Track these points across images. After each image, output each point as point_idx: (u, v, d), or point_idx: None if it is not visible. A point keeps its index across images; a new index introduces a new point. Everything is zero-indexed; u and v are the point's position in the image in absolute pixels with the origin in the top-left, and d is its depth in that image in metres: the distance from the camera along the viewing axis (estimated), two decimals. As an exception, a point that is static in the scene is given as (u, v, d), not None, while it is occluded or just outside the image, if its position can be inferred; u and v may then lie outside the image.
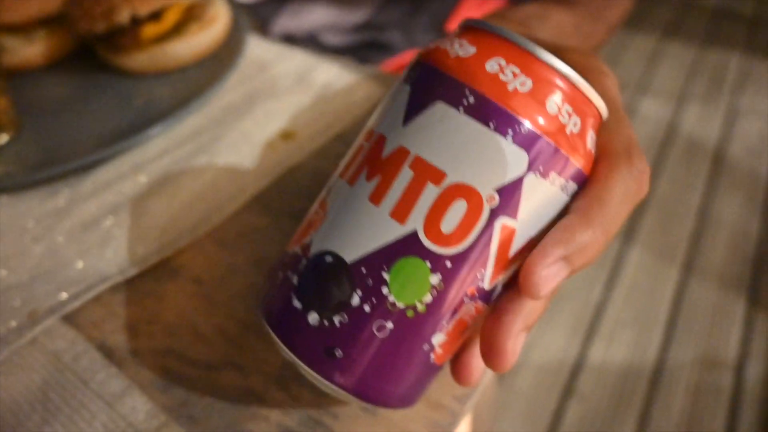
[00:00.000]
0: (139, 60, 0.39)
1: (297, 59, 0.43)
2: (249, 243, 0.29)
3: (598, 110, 0.19)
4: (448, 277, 0.17)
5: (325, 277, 0.18)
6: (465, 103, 0.17)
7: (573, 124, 0.18)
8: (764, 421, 0.99)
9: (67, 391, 0.23)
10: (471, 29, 0.19)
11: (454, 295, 0.17)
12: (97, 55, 0.41)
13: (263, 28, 0.53)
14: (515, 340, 0.18)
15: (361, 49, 0.54)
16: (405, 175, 0.17)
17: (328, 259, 0.18)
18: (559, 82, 0.17)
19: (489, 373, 0.24)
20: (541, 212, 0.18)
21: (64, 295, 0.26)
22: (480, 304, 0.18)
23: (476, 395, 0.23)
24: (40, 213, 0.31)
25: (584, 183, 0.19)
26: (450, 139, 0.17)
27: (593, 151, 0.19)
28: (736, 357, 1.09)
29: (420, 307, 0.17)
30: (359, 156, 0.19)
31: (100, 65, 0.41)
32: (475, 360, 0.20)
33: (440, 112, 0.17)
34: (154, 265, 0.28)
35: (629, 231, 1.33)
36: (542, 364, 1.10)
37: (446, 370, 0.21)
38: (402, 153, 0.18)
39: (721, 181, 1.45)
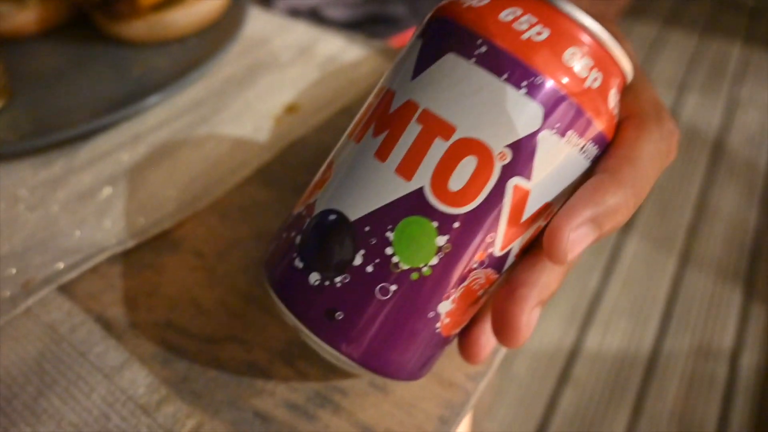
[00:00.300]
0: (136, 28, 0.38)
1: (299, 32, 0.41)
2: (251, 216, 0.28)
3: (621, 68, 0.17)
4: (456, 239, 0.16)
5: (328, 235, 0.17)
6: (476, 53, 0.16)
7: (593, 80, 0.16)
8: (758, 410, 1.00)
9: (64, 363, 0.22)
10: None
11: (462, 259, 0.16)
12: (93, 24, 0.40)
13: (266, 2, 0.52)
14: (530, 314, 0.17)
15: (366, 24, 0.52)
16: (412, 130, 0.16)
17: (332, 217, 0.17)
18: (580, 34, 0.16)
19: (501, 352, 0.23)
20: (558, 175, 0.17)
21: (60, 265, 0.25)
22: (491, 272, 0.17)
23: (490, 374, 0.22)
24: (35, 182, 0.30)
25: (606, 147, 0.18)
26: (460, 92, 0.16)
27: (616, 114, 0.18)
28: (732, 347, 1.10)
29: (426, 270, 0.16)
30: (367, 113, 0.18)
31: (96, 34, 0.39)
32: (485, 336, 0.19)
33: (450, 63, 0.16)
34: (154, 237, 0.27)
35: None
36: (538, 351, 1.10)
37: (456, 346, 0.20)
38: (410, 107, 0.17)
39: (720, 171, 1.44)
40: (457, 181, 0.16)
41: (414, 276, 0.16)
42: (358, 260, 0.16)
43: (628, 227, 1.31)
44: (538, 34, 0.16)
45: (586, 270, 1.24)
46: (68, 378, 0.21)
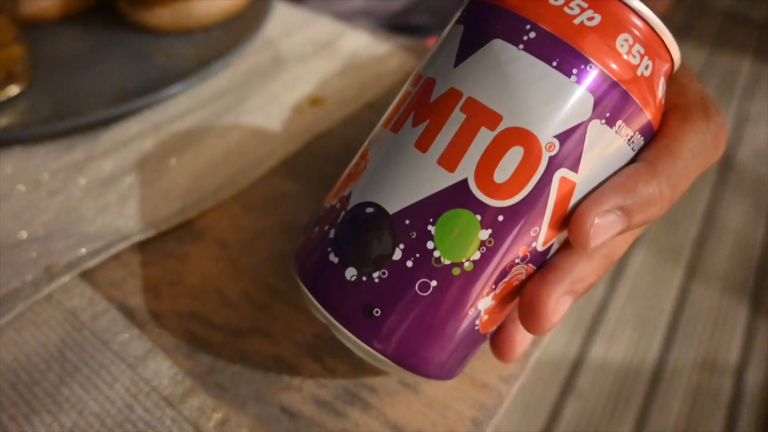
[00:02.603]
0: (160, 16, 0.37)
1: (324, 26, 0.41)
2: (276, 208, 0.28)
3: (671, 55, 0.17)
4: (500, 233, 0.15)
5: (365, 229, 0.16)
6: (525, 38, 0.15)
7: (644, 67, 0.16)
8: (763, 426, 0.99)
9: (86, 352, 0.21)
10: None
11: (505, 254, 0.16)
12: (117, 10, 0.39)
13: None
14: (558, 300, 0.16)
15: (390, 32, 0.52)
16: (456, 119, 0.15)
17: (369, 210, 0.16)
18: (632, 19, 0.16)
19: (534, 355, 0.22)
20: (604, 167, 0.16)
21: (83, 251, 0.24)
22: (531, 267, 0.16)
23: (523, 376, 0.21)
24: (56, 167, 0.29)
25: (652, 136, 0.17)
26: (507, 79, 0.15)
27: (663, 102, 0.17)
28: (737, 362, 1.09)
29: (467, 266, 0.16)
30: (405, 102, 0.17)
31: (120, 20, 0.39)
32: (520, 334, 0.18)
33: (497, 49, 0.15)
34: (177, 226, 0.27)
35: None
36: (542, 360, 1.09)
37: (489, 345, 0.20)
38: (453, 95, 0.16)
39: (728, 186, 1.44)
40: (502, 173, 0.15)
41: (455, 271, 0.16)
42: (397, 255, 0.16)
43: (635, 238, 1.30)
44: (590, 19, 0.15)
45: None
46: (90, 366, 0.21)
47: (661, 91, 0.17)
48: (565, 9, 0.15)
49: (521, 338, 0.19)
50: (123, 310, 0.23)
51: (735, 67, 1.85)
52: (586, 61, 0.15)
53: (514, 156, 0.15)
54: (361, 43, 0.39)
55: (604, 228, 0.15)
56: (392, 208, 0.16)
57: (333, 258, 0.17)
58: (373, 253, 0.16)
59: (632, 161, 0.17)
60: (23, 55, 0.34)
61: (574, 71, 0.15)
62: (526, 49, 0.15)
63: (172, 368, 0.21)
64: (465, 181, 0.15)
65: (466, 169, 0.15)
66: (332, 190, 0.19)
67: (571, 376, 1.07)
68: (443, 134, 0.16)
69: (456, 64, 0.16)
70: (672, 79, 0.18)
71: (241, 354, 0.22)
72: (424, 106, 0.16)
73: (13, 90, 0.33)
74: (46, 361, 0.21)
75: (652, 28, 0.16)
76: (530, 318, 0.16)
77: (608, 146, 0.16)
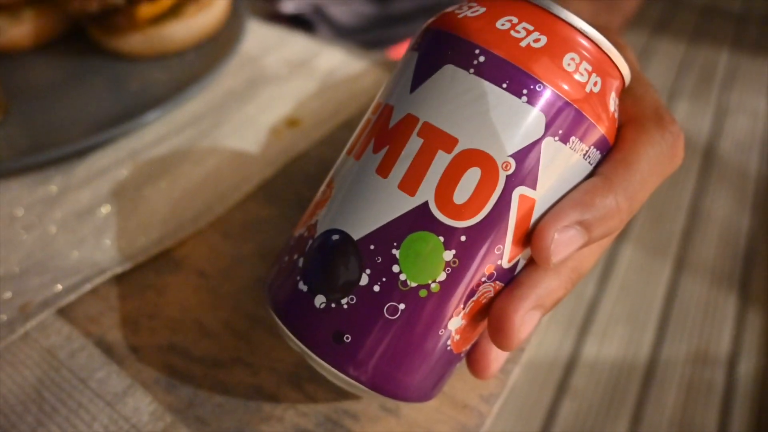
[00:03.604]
0: (134, 42, 0.37)
1: (299, 45, 0.41)
2: (255, 234, 0.28)
3: (620, 71, 0.17)
4: (464, 253, 0.16)
5: (332, 256, 0.16)
6: (475, 63, 0.16)
7: (593, 84, 0.16)
8: (757, 416, 1.00)
9: (64, 391, 0.21)
10: None
11: (470, 273, 0.16)
12: (90, 37, 0.39)
13: (270, 3, 0.51)
14: (525, 316, 0.16)
15: (374, 27, 0.52)
16: (414, 144, 0.16)
17: (335, 237, 0.16)
18: (578, 39, 0.16)
19: (514, 373, 0.22)
20: (563, 183, 0.16)
21: (58, 287, 0.24)
22: (499, 285, 0.17)
23: (504, 395, 0.21)
24: (31, 201, 0.29)
25: (608, 151, 0.17)
26: (460, 103, 0.16)
27: (617, 116, 0.17)
28: (729, 353, 1.10)
29: (434, 287, 0.16)
30: (366, 130, 0.18)
31: (93, 48, 0.39)
32: (494, 351, 0.19)
33: (449, 74, 0.16)
34: (155, 256, 0.26)
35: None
36: (536, 361, 1.09)
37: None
38: (410, 121, 0.16)
39: (712, 177, 1.45)
40: (461, 194, 0.15)
41: (422, 293, 0.16)
42: (364, 280, 0.16)
43: (622, 235, 1.31)
44: (536, 41, 0.16)
45: (582, 279, 1.23)
46: (69, 406, 0.21)
47: (612, 105, 0.17)
48: (512, 32, 0.16)
49: (496, 355, 0.19)
50: (101, 346, 0.23)
51: (713, 60, 1.88)
52: (535, 81, 0.15)
53: (472, 177, 0.15)
54: (335, 62, 0.39)
55: (564, 243, 0.16)
56: (357, 234, 0.16)
57: (302, 286, 0.17)
58: (341, 279, 0.16)
59: (590, 175, 0.17)
60: (-5, 88, 0.33)
61: (524, 92, 0.15)
62: (476, 73, 0.16)
63: (152, 404, 0.21)
64: (426, 204, 0.16)
65: (426, 192, 0.16)
66: (301, 219, 0.19)
67: (565, 375, 1.07)
68: (402, 159, 0.16)
69: (412, 90, 0.17)
70: (626, 91, 0.18)
71: (221, 386, 0.22)
72: (383, 133, 0.17)
73: (-14, 123, 0.33)
74: (23, 403, 0.21)
75: (599, 47, 0.17)
76: (498, 334, 0.16)
77: (564, 162, 0.16)
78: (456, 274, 0.16)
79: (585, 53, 0.16)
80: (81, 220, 0.28)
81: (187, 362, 0.22)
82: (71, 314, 0.24)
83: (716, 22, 2.06)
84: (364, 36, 0.52)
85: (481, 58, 0.16)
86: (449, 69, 0.16)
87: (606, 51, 0.17)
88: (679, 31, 2.01)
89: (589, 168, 0.17)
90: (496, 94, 0.15)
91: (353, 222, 0.16)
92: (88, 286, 0.24)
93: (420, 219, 0.16)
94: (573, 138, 0.16)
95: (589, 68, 0.16)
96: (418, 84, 0.17)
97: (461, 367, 0.20)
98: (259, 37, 0.42)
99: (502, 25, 0.16)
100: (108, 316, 0.24)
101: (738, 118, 1.63)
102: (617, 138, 0.17)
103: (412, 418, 0.21)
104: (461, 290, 0.16)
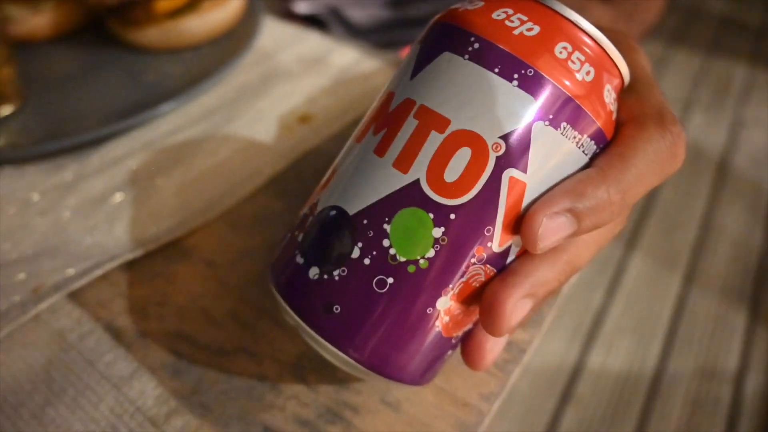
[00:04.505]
0: (151, 35, 0.38)
1: (313, 42, 0.41)
2: (264, 227, 0.28)
3: (617, 67, 0.18)
4: (453, 231, 0.16)
5: (328, 229, 0.17)
6: (470, 49, 0.17)
7: (585, 73, 0.17)
8: (762, 433, 0.99)
9: (72, 372, 0.21)
10: None
11: (459, 252, 0.16)
12: (107, 29, 0.40)
13: (285, 3, 0.52)
14: (516, 303, 0.16)
15: (389, 29, 0.52)
16: (409, 125, 0.17)
17: (332, 213, 0.17)
18: (571, 30, 0.17)
19: (517, 371, 0.23)
20: (555, 169, 0.17)
21: (71, 271, 0.25)
22: (490, 269, 0.17)
23: (504, 393, 0.21)
24: (46, 187, 0.30)
25: (606, 144, 0.18)
26: (455, 87, 0.17)
27: (613, 110, 0.18)
28: (736, 369, 1.08)
29: (422, 263, 0.16)
30: (369, 116, 0.19)
31: (110, 40, 0.40)
32: (490, 342, 0.19)
33: (446, 60, 0.17)
34: (165, 245, 0.27)
35: (631, 237, 1.32)
36: (541, 368, 1.09)
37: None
38: (408, 104, 0.17)
39: (725, 191, 1.44)
40: (452, 173, 0.16)
41: (411, 268, 0.16)
42: (356, 253, 0.16)
43: (632, 244, 1.30)
44: (529, 30, 0.17)
45: (590, 287, 1.23)
46: (76, 387, 0.21)
47: (608, 97, 0.17)
48: (506, 22, 0.17)
49: (491, 346, 0.19)
50: (110, 331, 0.23)
51: (730, 73, 1.86)
52: (526, 67, 0.16)
53: (462, 156, 0.16)
54: (349, 60, 0.39)
55: (552, 229, 0.16)
56: (352, 209, 0.17)
57: (299, 259, 0.18)
58: (334, 251, 0.17)
59: (586, 167, 0.17)
60: (14, 76, 0.34)
61: (515, 76, 0.16)
62: (471, 59, 0.17)
63: (157, 388, 0.21)
64: (417, 182, 0.16)
65: (419, 171, 0.16)
66: (306, 202, 0.20)
67: (569, 383, 1.06)
68: (398, 139, 0.17)
69: (412, 77, 0.18)
70: (631, 90, 0.19)
71: (226, 373, 0.22)
72: (383, 116, 0.18)
73: (5, 111, 0.34)
74: (32, 382, 0.21)
75: (595, 40, 0.17)
76: (488, 319, 0.16)
77: (557, 149, 0.16)
78: (445, 251, 0.16)
79: (579, 44, 0.17)
80: (94, 207, 0.29)
81: (193, 349, 0.23)
82: (82, 298, 0.24)
83: (734, 34, 2.04)
84: (379, 37, 0.52)
85: (476, 45, 0.17)
86: (446, 56, 0.17)
87: (603, 46, 0.17)
88: (696, 42, 1.99)
89: (585, 158, 0.17)
90: (488, 78, 0.16)
91: (349, 198, 0.17)
92: (99, 272, 0.25)
93: (411, 195, 0.16)
94: (564, 124, 0.16)
95: (582, 58, 0.17)
96: (417, 71, 0.18)
97: (461, 364, 0.20)
98: (274, 34, 0.42)
99: (498, 15, 0.17)
100: (118, 302, 0.24)
101: (753, 132, 1.62)
102: (617, 134, 0.18)
103: (412, 413, 0.21)
104: (450, 269, 0.16)
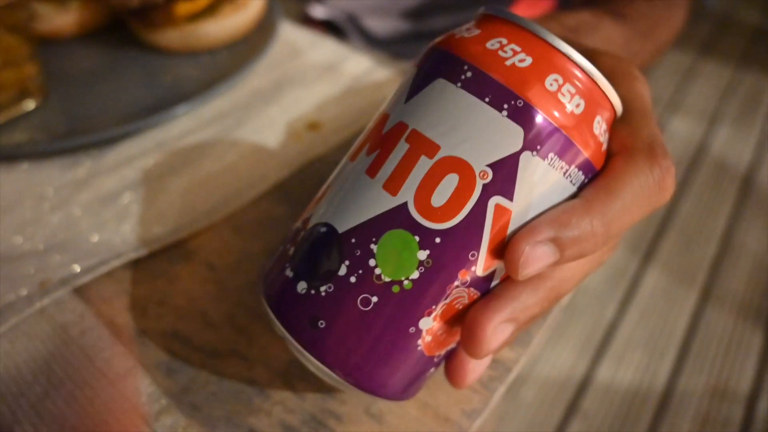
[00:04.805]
0: (170, 37, 0.39)
1: (329, 49, 0.42)
2: (266, 231, 0.29)
3: (608, 99, 0.18)
4: (438, 254, 0.17)
5: (317, 246, 0.18)
6: (462, 77, 0.17)
7: (575, 106, 0.17)
8: (772, 457, 0.97)
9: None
10: (481, 15, 0.19)
11: (443, 274, 0.17)
12: (129, 30, 0.41)
13: (304, 6, 0.52)
14: (497, 327, 0.17)
15: (407, 40, 0.53)
16: (401, 149, 0.17)
17: (322, 229, 0.18)
18: (563, 63, 0.17)
19: (499, 390, 0.23)
20: (541, 198, 0.17)
21: (77, 268, 0.26)
22: (473, 292, 0.17)
23: (486, 412, 0.22)
24: (60, 183, 0.31)
25: (594, 175, 0.18)
26: (446, 113, 0.17)
27: (603, 142, 0.18)
28: (749, 390, 1.06)
29: (407, 284, 0.17)
30: (364, 134, 0.19)
31: (132, 40, 0.41)
32: (472, 361, 0.19)
33: (439, 87, 0.17)
34: (169, 245, 0.28)
35: (648, 250, 1.30)
36: (548, 378, 1.08)
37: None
38: (401, 127, 0.18)
39: (748, 208, 1.41)
40: (439, 198, 0.16)
41: (395, 288, 0.17)
42: (342, 270, 0.17)
43: (648, 257, 1.28)
44: (521, 61, 0.17)
45: (603, 299, 1.21)
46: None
47: (598, 129, 0.18)
48: (500, 52, 0.17)
49: (473, 366, 0.19)
50: (110, 327, 0.24)
51: (760, 86, 1.82)
52: (516, 97, 0.17)
53: (450, 182, 0.16)
54: (362, 68, 0.40)
55: (535, 258, 0.16)
56: (341, 227, 0.17)
57: (289, 273, 0.18)
58: (322, 268, 0.17)
59: (574, 195, 0.18)
60: (37, 72, 0.35)
61: (505, 106, 0.16)
62: (463, 87, 0.17)
63: (150, 386, 0.22)
64: (405, 204, 0.17)
65: (407, 194, 0.17)
66: (300, 215, 0.20)
67: (577, 396, 1.06)
68: (389, 161, 0.17)
69: (406, 101, 0.18)
70: (624, 120, 0.19)
71: (217, 375, 0.23)
72: (377, 138, 0.18)
73: (28, 106, 0.35)
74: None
75: (586, 73, 0.17)
76: (469, 341, 0.17)
77: (544, 178, 0.17)
78: (429, 273, 0.17)
79: (570, 76, 0.17)
80: (104, 205, 0.30)
81: (188, 350, 0.23)
82: (86, 294, 0.25)
83: (765, 46, 1.99)
84: (397, 48, 0.53)
85: (469, 74, 0.17)
86: (440, 82, 0.17)
87: (594, 78, 0.17)
88: (726, 54, 1.95)
89: (572, 188, 0.18)
90: (478, 107, 0.17)
91: (340, 216, 0.18)
92: (104, 269, 0.26)
93: (399, 218, 0.17)
94: (552, 155, 0.17)
95: (572, 90, 0.17)
96: (412, 95, 0.18)
97: (446, 381, 0.20)
98: (291, 40, 0.43)
99: (492, 45, 0.17)
100: (120, 299, 0.25)
101: (782, 148, 1.58)
102: (606, 165, 0.18)
103: (394, 425, 0.21)
104: (434, 290, 0.17)
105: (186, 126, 0.35)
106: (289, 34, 0.43)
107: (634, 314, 1.19)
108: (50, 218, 0.29)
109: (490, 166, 0.16)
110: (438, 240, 0.16)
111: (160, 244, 0.27)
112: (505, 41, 0.17)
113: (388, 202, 0.17)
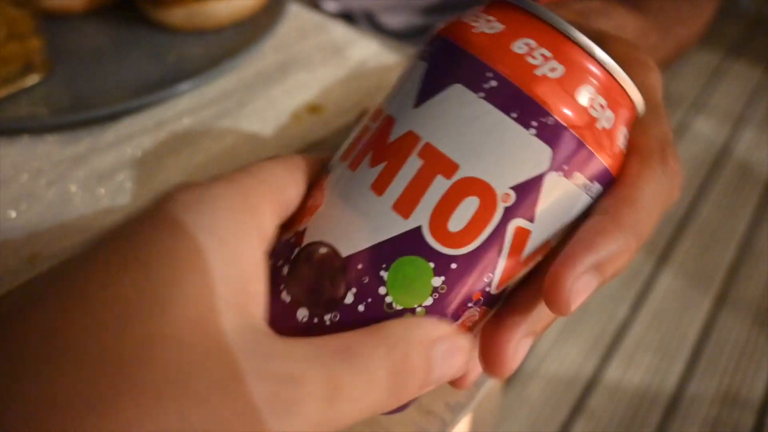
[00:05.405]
0: (177, 15, 0.39)
1: (336, 32, 0.41)
2: (260, 214, 0.28)
3: (634, 104, 0.17)
4: (453, 281, 0.15)
5: (318, 269, 0.16)
6: (486, 86, 0.15)
7: (606, 120, 0.16)
8: (782, 467, 0.95)
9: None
10: (500, 4, 0.17)
11: (457, 299, 0.16)
12: (136, 8, 0.40)
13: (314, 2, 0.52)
14: (518, 344, 0.16)
15: (418, 36, 0.52)
16: (413, 164, 0.15)
17: (322, 250, 0.16)
18: (595, 71, 0.15)
19: (489, 383, 0.22)
20: (559, 213, 0.16)
21: (67, 243, 0.26)
22: (485, 309, 0.16)
23: (471, 406, 0.21)
24: (59, 158, 0.31)
25: (610, 183, 0.17)
26: (466, 128, 0.15)
27: (623, 149, 0.17)
28: (761, 397, 1.04)
29: (419, 311, 0.15)
30: (364, 138, 0.17)
31: (138, 18, 0.40)
32: (471, 363, 0.18)
33: (457, 95, 0.15)
34: (161, 224, 0.27)
35: (664, 252, 1.28)
36: (555, 376, 1.07)
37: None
38: (411, 138, 0.16)
39: (770, 213, 1.37)
40: (457, 222, 0.15)
41: (407, 317, 0.15)
42: (349, 299, 0.15)
43: (664, 259, 1.26)
44: (552, 70, 0.15)
45: (615, 300, 1.20)
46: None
47: (621, 139, 0.17)
48: (528, 59, 0.15)
49: (472, 366, 0.19)
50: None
51: (791, 88, 1.77)
52: (546, 114, 0.15)
53: (469, 206, 0.15)
54: (369, 52, 0.39)
55: (581, 290, 0.15)
56: (346, 251, 0.16)
57: (285, 296, 0.16)
58: (325, 295, 0.16)
59: (590, 206, 0.17)
60: (42, 46, 0.35)
61: (534, 123, 0.15)
62: (486, 98, 0.15)
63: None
64: (419, 229, 0.15)
65: (421, 217, 0.15)
66: (290, 220, 0.18)
67: (583, 395, 1.05)
68: (399, 178, 0.15)
69: (416, 105, 0.16)
70: (638, 121, 0.18)
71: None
72: (381, 147, 0.16)
73: (31, 80, 0.35)
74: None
75: (616, 79, 0.16)
76: (491, 362, 0.16)
77: (564, 194, 0.16)
78: (443, 299, 0.15)
79: (601, 87, 0.16)
80: (100, 181, 0.29)
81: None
82: (75, 269, 0.25)
83: (799, 48, 1.93)
84: (413, 42, 0.52)
85: (493, 83, 0.15)
86: (458, 89, 0.15)
87: (622, 84, 0.16)
88: (756, 55, 1.90)
89: (588, 198, 0.16)
90: (504, 124, 0.15)
91: (343, 237, 0.16)
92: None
93: (412, 243, 0.15)
94: (577, 173, 0.15)
95: (604, 102, 0.16)
96: (423, 99, 0.16)
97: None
98: (299, 22, 0.42)
99: (519, 48, 0.15)
100: (108, 276, 0.25)
101: (809, 153, 1.54)
102: (622, 170, 0.17)
103: (375, 417, 0.21)
104: (447, 314, 0.16)
105: (187, 105, 0.35)
106: (297, 15, 0.43)
107: (647, 316, 1.17)
108: (45, 193, 0.29)
109: (513, 188, 0.15)
110: (454, 266, 0.15)
111: (153, 223, 0.27)
112: (533, 44, 0.15)
113: (400, 226, 0.15)
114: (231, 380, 0.12)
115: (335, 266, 0.15)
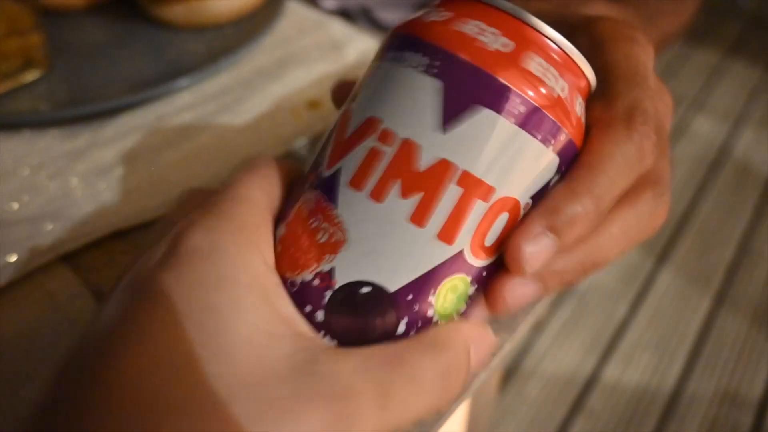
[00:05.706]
0: (176, 12, 0.39)
1: (334, 29, 0.41)
2: (259, 208, 0.28)
3: (584, 73, 0.18)
4: (482, 284, 0.17)
5: (366, 309, 0.16)
6: (516, 113, 0.16)
7: (582, 112, 0.18)
8: (781, 466, 0.95)
9: (56, 333, 0.22)
10: (499, 11, 0.17)
11: (481, 296, 0.17)
12: (136, 4, 0.41)
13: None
14: (536, 239, 0.16)
15: None
16: (452, 193, 0.16)
17: (365, 290, 0.16)
18: (580, 80, 0.18)
19: (482, 376, 0.22)
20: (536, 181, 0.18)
21: (68, 235, 0.26)
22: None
23: (467, 394, 0.21)
24: (60, 152, 0.31)
25: (576, 154, 0.18)
26: (500, 153, 0.16)
27: (584, 121, 0.18)
28: (760, 397, 1.04)
29: (455, 318, 0.17)
30: (377, 163, 0.16)
31: (138, 14, 0.41)
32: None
33: (488, 121, 0.16)
34: (160, 217, 0.28)
35: (664, 251, 1.28)
36: (553, 374, 1.07)
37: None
38: (446, 167, 0.16)
39: (769, 212, 1.37)
40: (491, 238, 0.16)
41: (445, 322, 0.17)
42: (401, 328, 0.16)
43: (663, 258, 1.26)
44: (563, 89, 0.17)
45: (614, 297, 1.20)
46: (57, 348, 0.22)
47: (580, 110, 0.18)
48: (546, 80, 0.16)
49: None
50: (97, 296, 0.24)
51: (790, 88, 1.77)
52: (562, 132, 0.17)
53: (501, 221, 0.16)
54: (368, 48, 0.39)
55: (538, 253, 0.16)
56: (393, 286, 0.16)
57: (330, 342, 0.16)
58: (377, 331, 0.16)
59: (557, 175, 0.17)
60: (42, 42, 0.35)
61: (553, 141, 0.16)
62: (517, 123, 0.16)
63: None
64: (462, 252, 0.16)
65: (463, 241, 0.16)
66: (295, 258, 0.16)
67: (582, 394, 1.05)
68: (440, 208, 0.16)
69: (444, 130, 0.16)
70: (605, 90, 0.18)
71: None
72: (412, 176, 0.16)
73: (32, 76, 0.35)
74: (17, 339, 0.22)
75: (579, 67, 0.18)
76: (511, 262, 0.16)
77: (546, 168, 0.17)
78: (473, 302, 0.17)
79: (585, 91, 0.18)
80: (100, 175, 0.30)
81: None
82: (75, 262, 0.25)
83: (798, 46, 1.93)
84: None
85: (522, 108, 0.16)
86: (489, 115, 0.16)
87: (573, 60, 0.17)
88: (755, 54, 1.90)
89: (555, 171, 0.17)
90: (533, 146, 0.16)
91: (387, 274, 0.16)
92: (94, 237, 0.26)
93: (456, 265, 0.16)
94: (564, 167, 0.17)
95: (581, 101, 0.18)
96: (450, 124, 0.16)
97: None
98: (298, 19, 0.42)
99: (536, 69, 0.16)
100: (108, 269, 0.25)
101: (809, 152, 1.54)
102: (584, 141, 0.18)
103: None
104: (474, 311, 0.17)
105: (187, 101, 0.35)
106: (296, 12, 0.43)
107: (646, 314, 1.17)
108: (47, 186, 0.29)
109: (532, 197, 0.17)
110: (485, 274, 0.17)
111: (152, 216, 0.27)
112: (543, 63, 0.16)
113: (445, 252, 0.16)
114: (296, 404, 0.13)
115: (384, 302, 0.16)
